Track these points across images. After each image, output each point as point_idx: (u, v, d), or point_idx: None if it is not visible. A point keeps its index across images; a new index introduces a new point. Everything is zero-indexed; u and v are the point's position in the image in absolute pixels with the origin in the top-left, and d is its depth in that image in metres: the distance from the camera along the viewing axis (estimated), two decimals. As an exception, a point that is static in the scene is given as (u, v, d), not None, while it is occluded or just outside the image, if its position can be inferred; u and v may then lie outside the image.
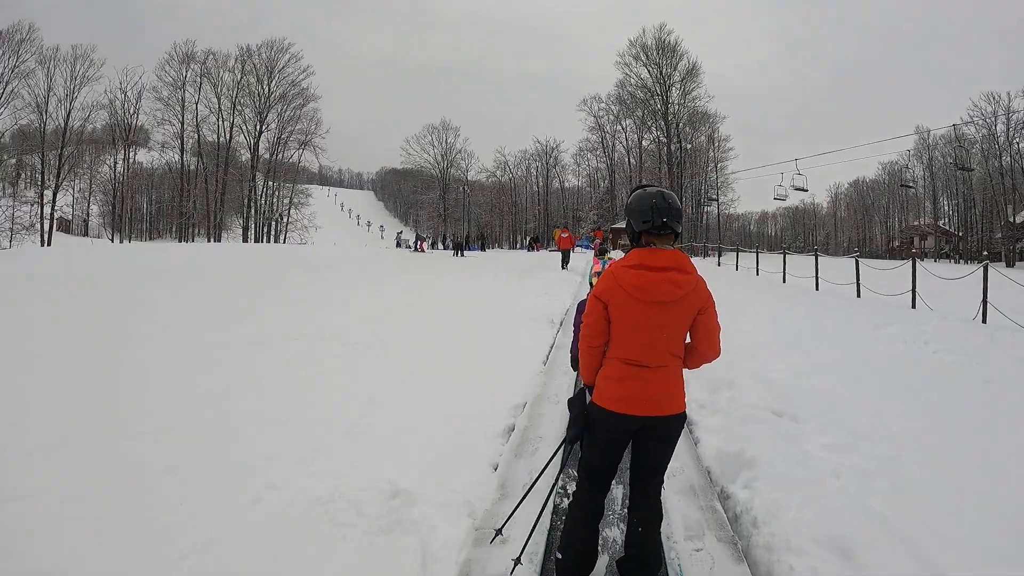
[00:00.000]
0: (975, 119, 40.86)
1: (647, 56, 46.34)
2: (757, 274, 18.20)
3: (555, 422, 4.30)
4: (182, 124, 44.66)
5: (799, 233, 68.47)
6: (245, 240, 44.22)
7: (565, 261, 19.19)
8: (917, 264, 10.88)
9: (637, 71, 46.97)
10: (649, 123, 47.87)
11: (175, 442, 3.59)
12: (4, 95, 36.65)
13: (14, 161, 40.53)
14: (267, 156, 46.76)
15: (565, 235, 20.93)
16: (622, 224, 44.33)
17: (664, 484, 2.41)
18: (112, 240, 43.00)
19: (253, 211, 46.19)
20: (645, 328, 2.07)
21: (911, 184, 49.29)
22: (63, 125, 39.63)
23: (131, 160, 45.73)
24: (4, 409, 4.12)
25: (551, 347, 6.99)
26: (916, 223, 51.92)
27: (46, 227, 37.41)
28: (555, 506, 2.95)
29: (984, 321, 8.82)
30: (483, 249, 38.19)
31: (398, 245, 40.04)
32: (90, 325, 7.22)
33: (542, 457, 3.42)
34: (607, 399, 2.13)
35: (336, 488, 2.86)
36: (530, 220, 61.29)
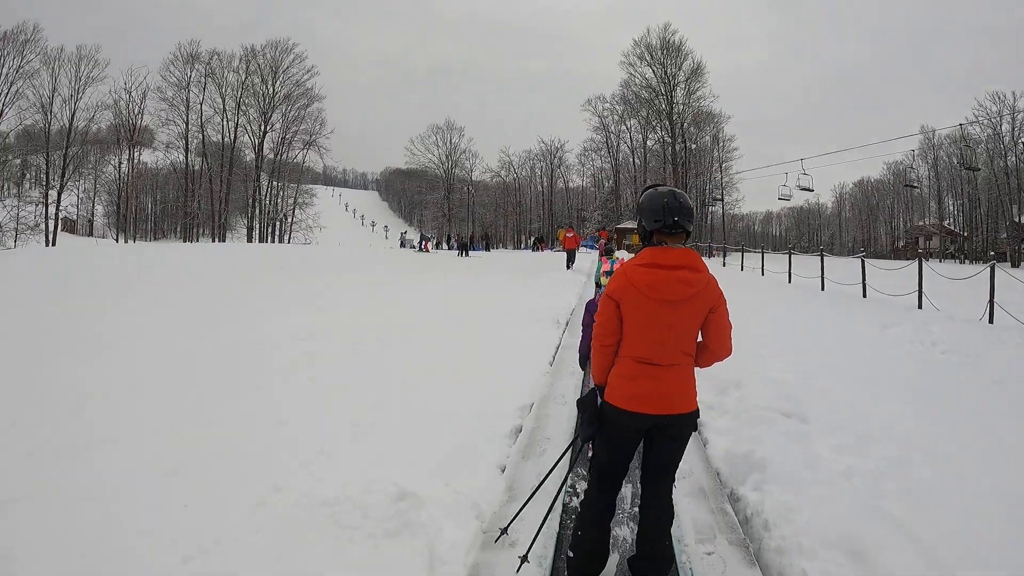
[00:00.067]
0: (980, 119, 40.66)
1: (652, 56, 46.27)
2: (762, 274, 18.13)
3: (562, 423, 4.28)
4: (186, 124, 44.86)
5: (804, 233, 68.12)
6: (250, 240, 44.27)
7: (570, 261, 19.18)
8: (923, 264, 10.81)
9: (642, 71, 46.94)
10: (654, 123, 47.82)
11: (178, 444, 3.58)
12: (9, 95, 36.89)
13: (19, 161, 40.66)
14: (271, 156, 46.87)
15: (570, 235, 20.93)
16: (627, 224, 44.32)
17: (675, 484, 2.39)
18: (117, 240, 43.12)
19: (257, 211, 46.26)
20: (656, 326, 2.07)
21: (915, 184, 49.01)
22: (68, 125, 39.86)
23: (136, 160, 45.77)
24: (4, 409, 4.12)
25: (557, 347, 6.96)
26: (921, 223, 51.61)
27: (50, 227, 37.57)
28: (564, 506, 2.93)
29: (991, 321, 8.78)
30: (487, 249, 38.03)
31: (402, 245, 39.88)
32: (90, 325, 7.23)
33: (550, 458, 3.40)
34: (619, 397, 2.13)
35: (342, 490, 2.83)
36: (534, 220, 61.13)
